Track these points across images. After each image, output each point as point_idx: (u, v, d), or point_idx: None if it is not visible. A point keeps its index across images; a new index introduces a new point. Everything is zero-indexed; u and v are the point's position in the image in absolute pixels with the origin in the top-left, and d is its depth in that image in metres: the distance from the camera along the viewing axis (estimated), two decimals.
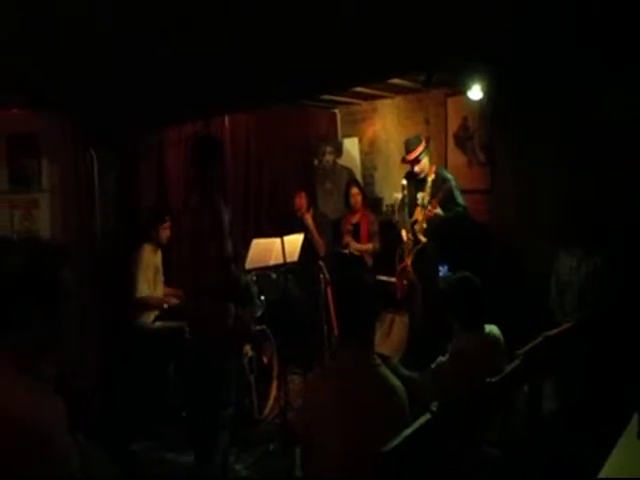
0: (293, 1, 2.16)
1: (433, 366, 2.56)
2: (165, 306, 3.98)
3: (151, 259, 3.97)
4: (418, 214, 4.14)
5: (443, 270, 4.17)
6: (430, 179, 4.17)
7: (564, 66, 3.50)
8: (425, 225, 4.07)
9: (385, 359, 2.33)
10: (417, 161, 4.19)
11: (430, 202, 4.03)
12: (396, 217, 4.28)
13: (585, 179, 3.80)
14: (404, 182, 4.20)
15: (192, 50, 2.55)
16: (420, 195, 4.16)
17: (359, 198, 4.76)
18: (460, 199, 4.15)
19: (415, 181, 4.25)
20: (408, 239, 4.18)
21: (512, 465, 2.42)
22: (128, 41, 2.49)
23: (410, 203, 4.25)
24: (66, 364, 1.37)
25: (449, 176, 4.24)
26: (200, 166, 2.92)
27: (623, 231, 3.55)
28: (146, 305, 3.91)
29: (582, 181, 3.82)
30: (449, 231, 4.06)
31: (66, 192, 3.48)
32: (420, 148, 4.18)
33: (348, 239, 4.73)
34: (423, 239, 4.10)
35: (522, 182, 4.28)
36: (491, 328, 2.59)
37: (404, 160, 4.29)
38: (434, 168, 4.24)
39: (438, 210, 3.98)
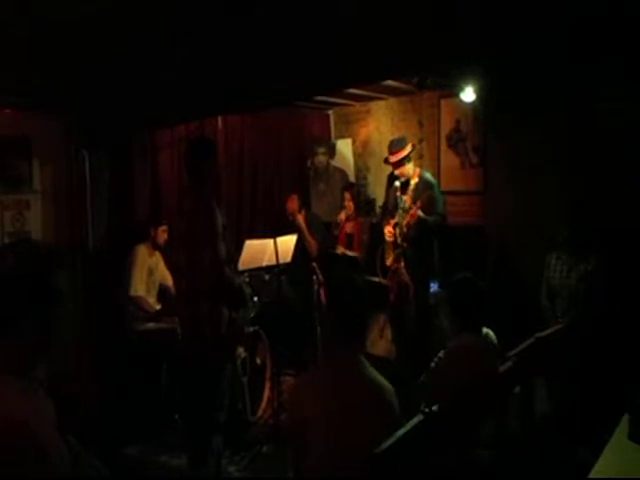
0: (289, 3, 2.16)
1: (432, 364, 2.60)
2: (157, 307, 3.99)
3: (145, 260, 3.96)
4: (399, 217, 4.12)
5: (434, 287, 4.19)
6: (413, 182, 4.15)
7: (559, 67, 3.53)
8: (405, 230, 4.07)
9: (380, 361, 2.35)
10: (398, 165, 4.15)
11: (411, 207, 4.01)
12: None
13: (579, 181, 3.82)
14: (397, 184, 4.20)
15: (186, 52, 2.55)
16: (402, 198, 4.14)
17: (351, 205, 4.75)
18: (440, 208, 4.12)
19: (398, 182, 4.21)
20: (389, 238, 4.19)
21: (506, 466, 2.43)
22: (123, 42, 2.48)
23: (391, 203, 4.26)
24: (59, 366, 1.36)
25: (433, 181, 4.21)
26: (194, 168, 2.92)
27: (616, 234, 3.57)
28: (138, 305, 3.90)
29: (576, 183, 3.84)
30: (428, 237, 4.08)
31: (58, 193, 3.47)
32: (403, 152, 4.11)
33: (342, 250, 4.72)
34: (404, 244, 4.10)
35: (515, 183, 4.30)
36: (487, 331, 2.64)
37: (386, 160, 4.28)
38: (418, 171, 4.22)
39: (420, 213, 3.93)
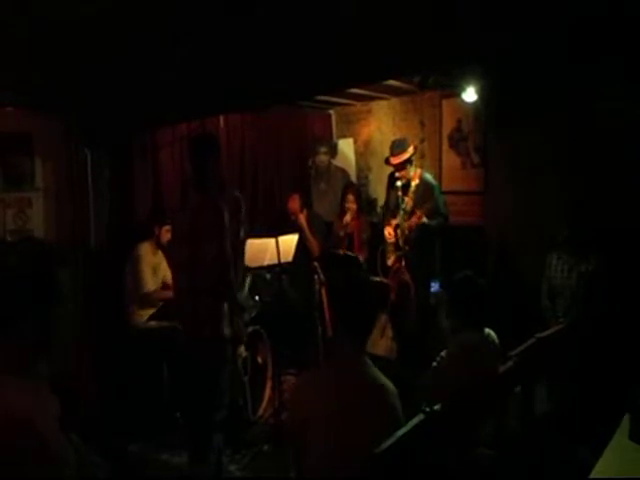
0: (289, 3, 2.16)
1: (434, 364, 2.60)
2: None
3: (149, 258, 3.96)
4: (400, 218, 4.12)
5: (435, 287, 4.19)
6: (414, 183, 4.15)
7: (559, 67, 3.52)
8: (407, 232, 4.06)
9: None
10: (399, 167, 4.15)
11: (413, 210, 4.01)
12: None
13: (579, 181, 3.82)
14: (398, 184, 4.20)
15: (186, 52, 2.55)
16: (404, 199, 4.14)
17: (354, 207, 4.69)
18: (442, 209, 4.14)
19: (400, 183, 4.22)
20: (389, 239, 4.19)
21: (506, 466, 2.43)
22: (123, 42, 2.48)
23: (392, 203, 4.26)
24: (59, 366, 1.37)
25: (433, 183, 4.21)
26: (199, 166, 2.91)
27: (616, 234, 3.57)
28: (150, 300, 3.92)
29: (576, 183, 3.84)
30: (430, 239, 4.08)
31: (60, 191, 3.47)
32: (405, 155, 4.12)
33: (343, 250, 4.71)
34: (406, 247, 4.09)
35: (515, 183, 4.29)
36: (489, 331, 2.64)
37: (387, 161, 4.27)
38: (419, 172, 4.21)
39: (425, 219, 3.95)
